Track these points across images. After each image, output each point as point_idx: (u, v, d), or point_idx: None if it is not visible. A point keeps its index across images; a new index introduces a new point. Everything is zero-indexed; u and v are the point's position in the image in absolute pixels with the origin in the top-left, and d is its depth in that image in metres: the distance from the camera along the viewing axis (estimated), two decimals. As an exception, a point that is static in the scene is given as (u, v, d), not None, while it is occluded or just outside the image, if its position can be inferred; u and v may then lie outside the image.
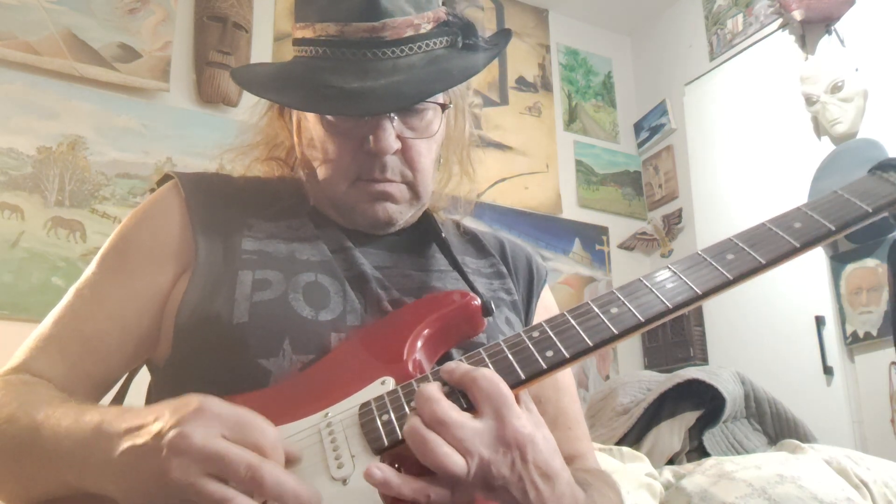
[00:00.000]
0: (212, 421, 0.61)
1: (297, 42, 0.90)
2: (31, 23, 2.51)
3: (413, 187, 0.90)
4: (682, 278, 0.73)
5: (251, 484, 0.59)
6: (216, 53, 2.75)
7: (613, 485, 0.88)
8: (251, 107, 0.99)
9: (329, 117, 0.88)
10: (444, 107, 0.91)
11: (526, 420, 0.66)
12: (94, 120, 2.55)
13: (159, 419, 0.62)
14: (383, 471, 0.62)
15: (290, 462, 0.65)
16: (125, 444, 0.62)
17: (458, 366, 0.69)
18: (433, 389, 0.66)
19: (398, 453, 0.67)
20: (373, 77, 0.83)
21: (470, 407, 0.66)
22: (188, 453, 0.59)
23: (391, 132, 0.85)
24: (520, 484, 0.64)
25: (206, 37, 2.79)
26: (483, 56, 0.91)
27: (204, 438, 0.59)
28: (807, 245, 0.72)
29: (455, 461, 0.62)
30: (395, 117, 0.86)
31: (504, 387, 0.66)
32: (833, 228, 0.73)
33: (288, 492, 0.59)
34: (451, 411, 0.64)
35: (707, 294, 0.71)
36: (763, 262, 0.72)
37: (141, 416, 0.64)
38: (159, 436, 0.60)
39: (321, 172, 0.91)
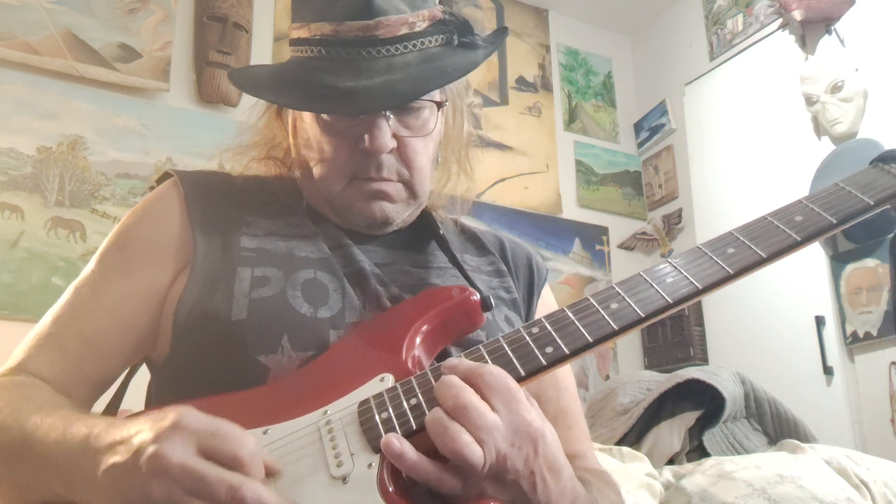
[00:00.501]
0: (188, 437, 0.61)
1: (293, 42, 0.90)
2: (31, 23, 2.51)
3: (410, 186, 0.90)
4: (682, 273, 0.72)
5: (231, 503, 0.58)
6: (216, 53, 2.75)
7: (613, 484, 0.87)
8: (250, 107, 0.99)
9: (325, 117, 0.88)
10: (439, 105, 0.91)
11: (535, 413, 0.67)
12: (94, 120, 2.55)
13: (139, 434, 0.62)
14: (402, 443, 0.63)
15: (270, 473, 0.65)
16: (107, 461, 0.62)
17: (461, 361, 0.69)
18: (454, 378, 0.66)
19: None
20: (367, 76, 0.83)
21: None
22: (167, 474, 0.58)
23: (387, 131, 0.85)
24: (531, 478, 0.65)
25: (206, 37, 2.79)
26: (479, 54, 0.90)
27: (181, 458, 0.59)
28: (808, 238, 0.72)
29: (474, 451, 0.62)
30: (391, 116, 0.86)
31: (512, 381, 0.67)
32: (834, 221, 0.73)
33: None
34: (473, 397, 0.64)
35: (707, 289, 0.71)
36: (764, 255, 0.72)
37: (124, 430, 0.64)
38: (138, 454, 0.60)
39: (317, 172, 0.91)
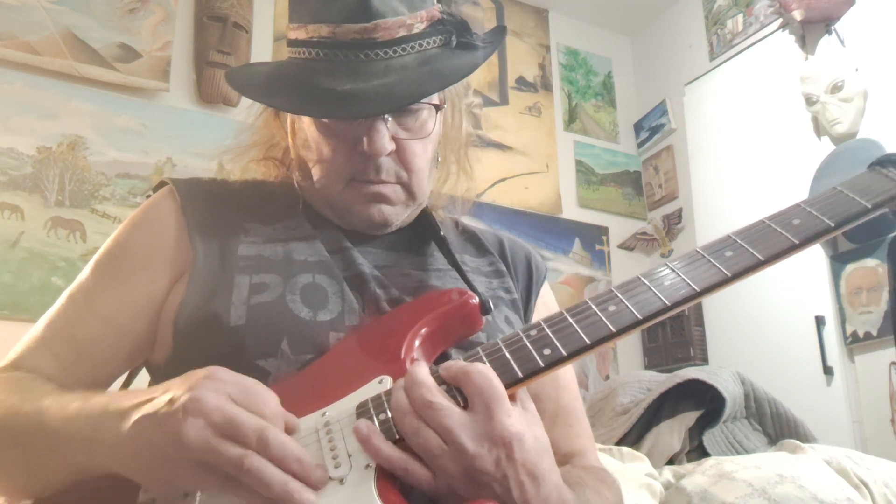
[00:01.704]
0: (222, 386, 0.64)
1: (291, 43, 0.90)
2: (31, 23, 2.51)
3: (408, 188, 0.90)
4: (680, 276, 0.73)
5: (258, 446, 0.61)
6: (216, 53, 2.75)
7: (612, 483, 0.87)
8: (248, 107, 0.99)
9: (323, 119, 0.88)
10: (438, 107, 0.91)
11: (516, 418, 0.66)
12: (94, 120, 2.55)
13: (170, 390, 0.64)
14: (369, 429, 0.66)
15: (290, 431, 0.67)
16: (136, 415, 0.64)
17: (456, 362, 0.70)
18: (424, 374, 0.68)
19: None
20: (365, 78, 0.83)
21: (466, 404, 0.67)
22: (202, 414, 0.61)
23: (385, 134, 0.85)
24: (504, 481, 0.65)
25: (206, 37, 2.79)
26: (478, 55, 0.90)
27: (216, 400, 0.62)
28: (806, 242, 0.73)
29: (430, 437, 0.64)
30: (390, 118, 0.86)
31: (496, 382, 0.67)
32: (832, 225, 0.73)
33: (291, 455, 0.62)
34: (439, 396, 0.66)
35: (705, 291, 0.71)
36: (762, 258, 0.72)
37: (149, 392, 0.66)
38: (172, 402, 0.62)
39: (316, 173, 0.91)
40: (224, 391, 0.63)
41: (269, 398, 0.66)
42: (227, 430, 0.61)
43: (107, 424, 0.66)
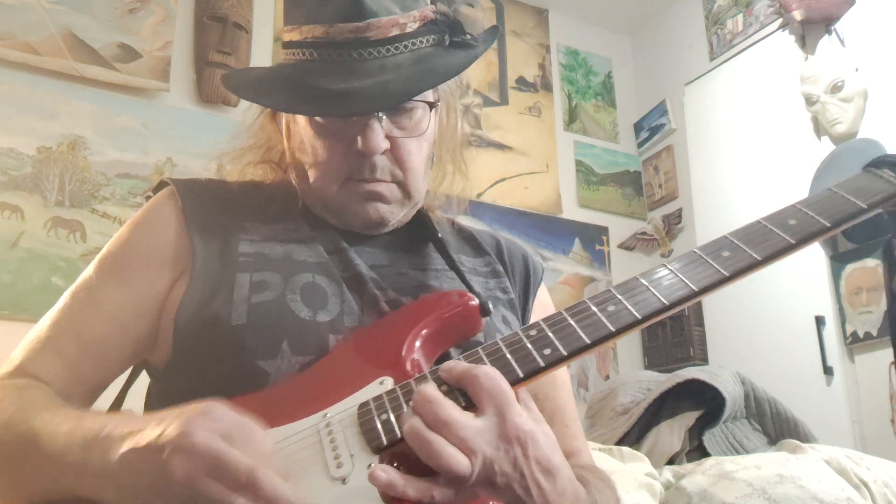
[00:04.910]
0: (214, 423, 0.61)
1: (286, 45, 0.90)
2: (31, 23, 2.51)
3: (403, 186, 0.90)
4: (678, 276, 0.73)
5: (247, 488, 0.58)
6: (216, 53, 2.75)
7: (609, 481, 0.88)
8: (245, 110, 1.00)
9: (318, 119, 0.88)
10: (432, 105, 0.91)
11: (527, 416, 0.66)
12: (94, 120, 2.55)
13: (162, 422, 0.62)
14: (388, 473, 0.62)
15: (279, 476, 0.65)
16: (126, 446, 0.62)
17: (458, 364, 0.69)
18: (432, 390, 0.66)
19: (397, 452, 0.67)
20: (359, 77, 0.83)
21: (469, 405, 0.67)
22: (190, 452, 0.59)
23: (379, 132, 0.85)
24: (522, 481, 0.64)
25: (206, 37, 2.79)
26: (471, 53, 0.91)
27: (205, 438, 0.59)
28: (802, 242, 0.73)
29: (459, 461, 0.62)
30: (384, 117, 0.86)
31: (505, 383, 0.66)
32: (828, 225, 0.74)
33: (283, 498, 0.59)
34: (453, 411, 0.64)
35: (703, 291, 0.72)
36: (759, 258, 0.72)
37: (142, 422, 0.64)
38: (161, 436, 0.60)
39: (312, 174, 0.91)
40: (216, 429, 0.61)
41: (263, 439, 0.63)
42: (215, 469, 0.58)
43: (96, 452, 0.65)
